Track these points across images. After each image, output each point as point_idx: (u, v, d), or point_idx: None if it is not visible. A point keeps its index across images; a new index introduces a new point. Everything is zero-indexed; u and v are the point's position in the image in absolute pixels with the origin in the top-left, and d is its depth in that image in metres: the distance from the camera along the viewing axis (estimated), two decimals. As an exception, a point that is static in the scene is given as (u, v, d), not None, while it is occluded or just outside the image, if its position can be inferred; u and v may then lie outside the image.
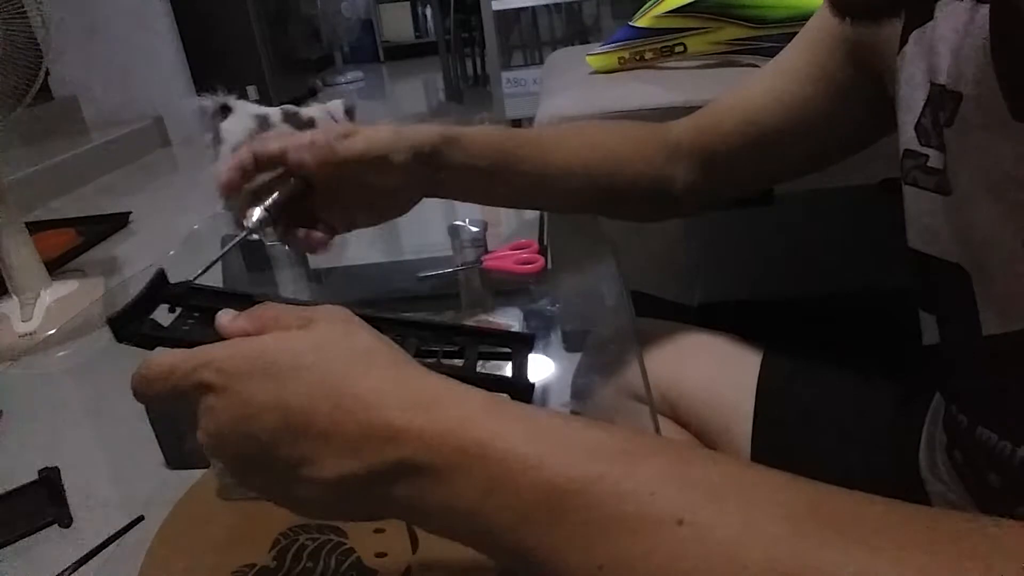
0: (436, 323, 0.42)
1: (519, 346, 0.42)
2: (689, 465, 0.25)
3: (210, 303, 0.38)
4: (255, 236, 0.52)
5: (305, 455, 0.29)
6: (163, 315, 0.40)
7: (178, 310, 0.40)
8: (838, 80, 0.55)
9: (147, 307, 0.40)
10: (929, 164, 0.42)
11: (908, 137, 0.44)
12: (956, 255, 0.41)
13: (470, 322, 0.77)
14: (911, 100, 0.44)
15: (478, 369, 0.40)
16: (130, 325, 0.38)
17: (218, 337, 0.34)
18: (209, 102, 1.90)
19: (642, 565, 0.23)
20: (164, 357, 0.33)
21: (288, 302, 0.38)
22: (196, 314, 0.39)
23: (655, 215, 0.67)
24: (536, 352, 0.67)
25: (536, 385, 0.40)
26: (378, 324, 0.36)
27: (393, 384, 0.30)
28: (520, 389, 0.39)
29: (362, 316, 0.35)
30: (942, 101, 0.41)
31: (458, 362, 0.41)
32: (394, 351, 0.32)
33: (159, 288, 0.41)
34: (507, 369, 0.41)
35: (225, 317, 0.35)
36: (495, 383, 0.38)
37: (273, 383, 0.30)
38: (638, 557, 0.23)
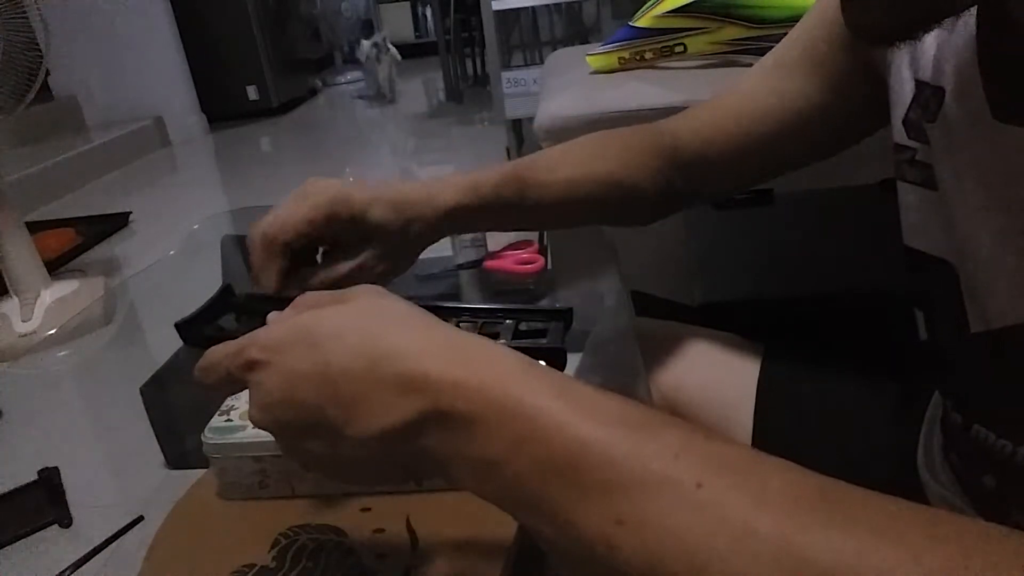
0: (474, 307, 0.44)
1: (556, 320, 0.44)
2: (708, 440, 0.27)
3: (271, 308, 0.40)
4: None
5: (348, 414, 0.30)
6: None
7: (243, 318, 0.44)
8: (836, 74, 0.55)
9: (212, 316, 0.44)
10: (917, 158, 0.43)
11: (897, 131, 0.45)
12: (943, 250, 0.41)
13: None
14: (899, 94, 0.44)
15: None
16: (195, 330, 0.43)
17: None
18: (377, 39, 4.45)
19: (660, 521, 0.24)
20: (218, 347, 0.36)
21: None
22: (257, 319, 0.42)
23: (653, 219, 0.67)
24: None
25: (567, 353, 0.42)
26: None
27: (431, 340, 0.31)
28: (553, 353, 0.41)
29: None
30: (926, 97, 0.41)
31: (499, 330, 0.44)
32: (431, 316, 0.33)
33: (224, 300, 0.45)
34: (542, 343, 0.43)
35: (274, 315, 0.38)
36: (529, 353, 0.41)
37: (314, 350, 0.31)
38: (657, 514, 0.24)
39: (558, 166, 0.60)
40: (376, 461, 0.32)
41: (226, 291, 0.45)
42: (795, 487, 0.24)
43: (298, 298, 0.37)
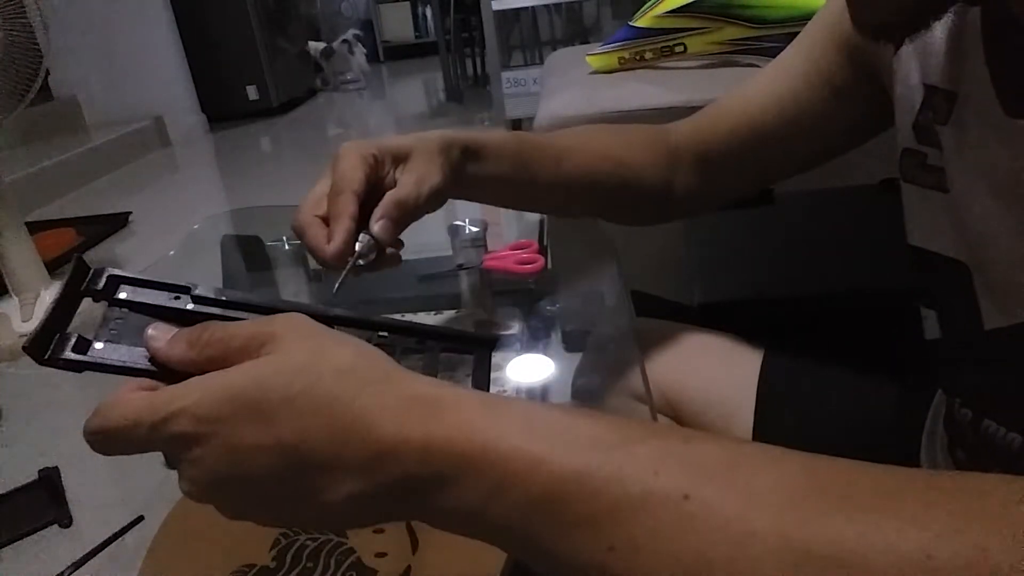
0: (400, 324, 0.41)
1: (481, 348, 0.41)
2: (687, 444, 0.26)
3: (140, 299, 0.35)
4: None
5: (309, 486, 0.28)
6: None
7: (103, 304, 0.35)
8: (836, 81, 0.55)
9: (69, 310, 0.35)
10: (928, 162, 0.43)
11: (906, 136, 0.45)
12: (956, 251, 0.41)
13: (471, 322, 0.77)
14: (908, 100, 0.45)
15: (439, 372, 0.40)
16: (51, 344, 0.33)
17: (152, 359, 0.32)
18: (347, 36, 5.51)
19: (651, 542, 0.24)
20: (122, 409, 0.30)
21: (228, 298, 0.35)
22: (124, 309, 0.35)
23: (656, 219, 0.67)
24: (530, 352, 0.67)
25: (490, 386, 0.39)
26: (339, 323, 0.35)
27: (387, 399, 0.29)
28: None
29: (319, 317, 0.33)
30: (937, 100, 0.41)
31: (417, 357, 0.39)
32: (374, 359, 0.31)
33: (79, 281, 0.35)
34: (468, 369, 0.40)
35: (156, 341, 0.32)
36: None
37: (262, 421, 0.28)
38: (647, 535, 0.24)
39: (559, 137, 0.60)
40: (335, 521, 0.30)
41: (78, 270, 0.35)
42: (783, 478, 0.24)
43: (198, 333, 0.32)
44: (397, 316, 0.74)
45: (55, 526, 0.54)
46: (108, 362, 0.33)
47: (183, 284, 0.36)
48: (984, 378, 0.43)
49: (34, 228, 1.92)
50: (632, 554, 0.24)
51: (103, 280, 0.36)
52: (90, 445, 0.31)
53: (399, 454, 0.27)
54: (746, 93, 0.62)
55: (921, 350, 0.47)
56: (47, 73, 1.69)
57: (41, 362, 0.33)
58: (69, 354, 0.33)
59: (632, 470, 0.25)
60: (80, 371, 0.33)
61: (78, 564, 0.49)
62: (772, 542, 0.22)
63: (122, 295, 0.36)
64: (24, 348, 0.32)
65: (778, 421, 0.64)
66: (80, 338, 0.34)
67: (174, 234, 1.13)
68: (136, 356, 0.33)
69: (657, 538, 0.24)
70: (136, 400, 0.30)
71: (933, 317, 0.46)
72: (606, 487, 0.25)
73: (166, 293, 0.35)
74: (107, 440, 0.31)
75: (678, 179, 0.64)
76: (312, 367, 0.29)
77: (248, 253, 0.91)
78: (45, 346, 0.33)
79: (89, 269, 0.36)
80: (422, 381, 0.30)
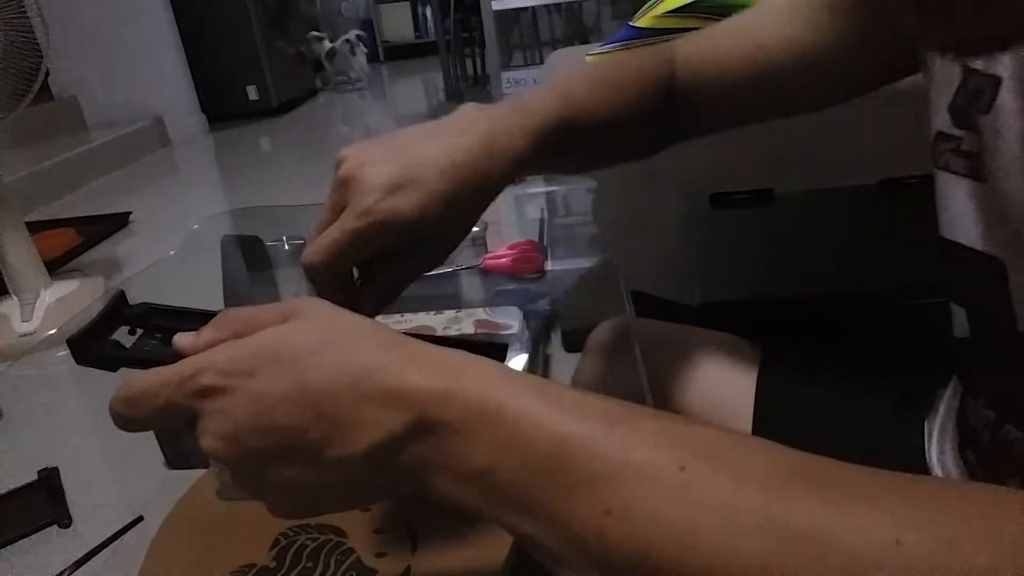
0: (409, 333, 0.41)
1: (492, 354, 0.41)
2: (688, 427, 0.28)
3: (171, 323, 0.38)
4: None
5: (332, 433, 0.29)
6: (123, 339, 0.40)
7: (138, 332, 0.39)
8: (855, 32, 0.52)
9: (107, 329, 0.39)
10: (963, 147, 0.40)
11: (941, 118, 0.42)
12: (991, 245, 0.39)
13: (471, 322, 0.77)
14: (945, 80, 0.41)
15: None
16: (91, 346, 0.37)
17: (182, 356, 0.33)
18: (349, 36, 5.62)
19: (646, 508, 0.25)
20: (148, 374, 0.32)
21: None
22: (158, 335, 0.39)
23: (657, 149, 0.63)
24: (530, 352, 0.67)
25: None
26: None
27: (408, 353, 0.31)
28: None
29: None
30: (977, 84, 0.39)
31: None
32: (392, 329, 0.33)
33: (119, 310, 0.40)
34: None
35: (184, 339, 0.34)
36: None
37: (288, 370, 0.30)
38: (643, 499, 0.25)
39: (598, 97, 0.55)
40: (352, 483, 0.30)
41: (119, 299, 0.40)
42: (774, 463, 0.26)
43: (221, 315, 0.34)
44: (397, 316, 0.74)
45: (55, 526, 0.54)
46: (142, 356, 0.37)
47: (207, 311, 0.38)
48: (1012, 381, 0.41)
49: (34, 228, 1.92)
50: (627, 517, 0.25)
51: (140, 311, 0.40)
52: (114, 418, 0.33)
53: (418, 400, 0.29)
54: (757, 29, 0.58)
55: (921, 351, 0.47)
56: (47, 73, 1.69)
57: (80, 359, 0.37)
58: (107, 351, 0.37)
59: (636, 440, 0.26)
60: (115, 368, 0.37)
61: (78, 564, 0.49)
62: (754, 516, 0.24)
63: (154, 323, 0.39)
64: (67, 341, 0.36)
65: (777, 421, 0.64)
66: (116, 342, 0.38)
67: (174, 234, 1.13)
68: (168, 356, 0.35)
69: (652, 504, 0.25)
70: (162, 368, 0.32)
71: (962, 314, 0.44)
72: (608, 452, 0.26)
73: (197, 319, 0.37)
74: (133, 405, 0.32)
75: (676, 108, 0.60)
76: (337, 328, 0.32)
77: (248, 253, 0.91)
78: (85, 346, 0.37)
79: (127, 302, 0.40)
80: (441, 348, 0.32)
